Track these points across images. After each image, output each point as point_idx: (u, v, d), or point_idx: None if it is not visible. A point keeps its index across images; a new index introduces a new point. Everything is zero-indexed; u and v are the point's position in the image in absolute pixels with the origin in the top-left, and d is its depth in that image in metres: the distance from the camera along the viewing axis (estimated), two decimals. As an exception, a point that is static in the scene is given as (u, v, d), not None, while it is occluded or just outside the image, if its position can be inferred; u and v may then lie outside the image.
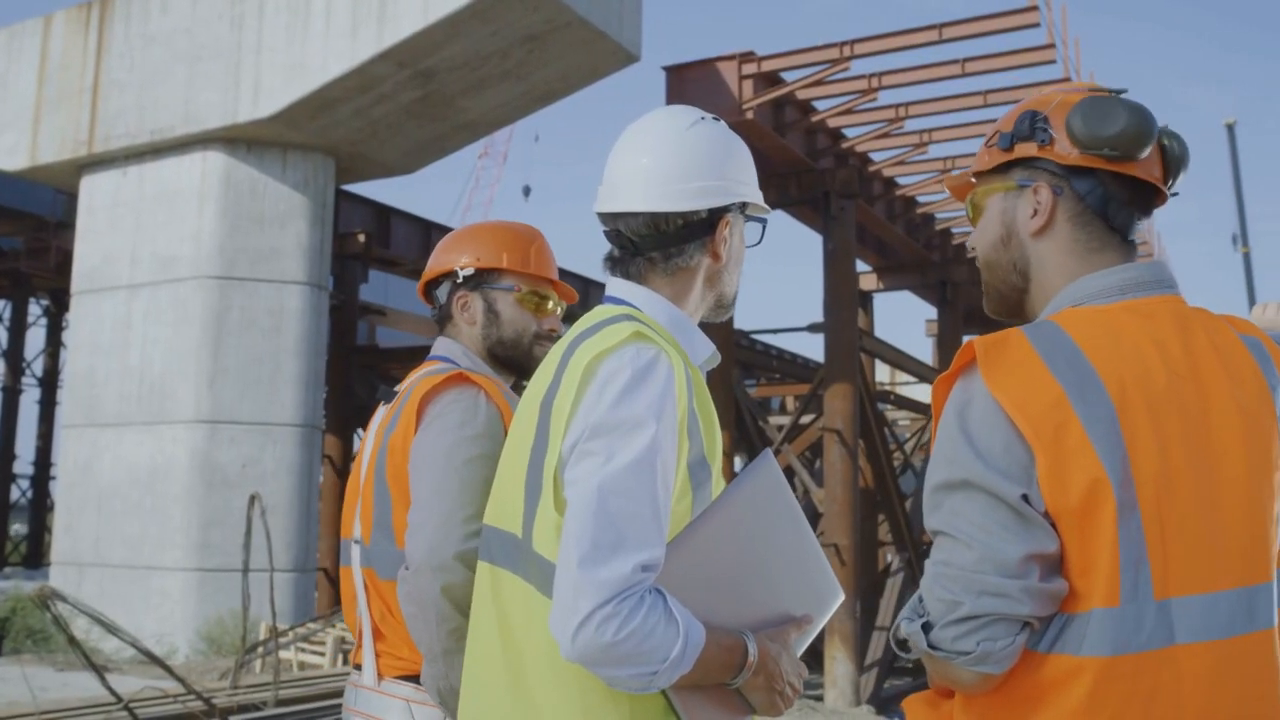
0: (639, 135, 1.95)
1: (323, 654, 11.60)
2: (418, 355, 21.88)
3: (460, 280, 2.66)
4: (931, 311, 21.04)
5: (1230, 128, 49.38)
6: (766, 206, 2.01)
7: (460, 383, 2.45)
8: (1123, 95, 1.68)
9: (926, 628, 1.52)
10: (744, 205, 1.96)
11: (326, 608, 16.01)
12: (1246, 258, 48.57)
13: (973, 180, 1.82)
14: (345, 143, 14.35)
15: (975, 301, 21.03)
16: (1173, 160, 1.67)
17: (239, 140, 14.04)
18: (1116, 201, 1.68)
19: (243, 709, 7.36)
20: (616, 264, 1.96)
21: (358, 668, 2.60)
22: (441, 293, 2.71)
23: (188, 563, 13.42)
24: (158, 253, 14.30)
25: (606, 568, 1.59)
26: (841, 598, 1.94)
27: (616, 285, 1.95)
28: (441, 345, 2.71)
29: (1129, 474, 1.46)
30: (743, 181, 1.94)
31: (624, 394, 1.69)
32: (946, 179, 1.91)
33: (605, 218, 1.94)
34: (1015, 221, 1.72)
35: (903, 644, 1.56)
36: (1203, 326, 1.61)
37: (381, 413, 2.68)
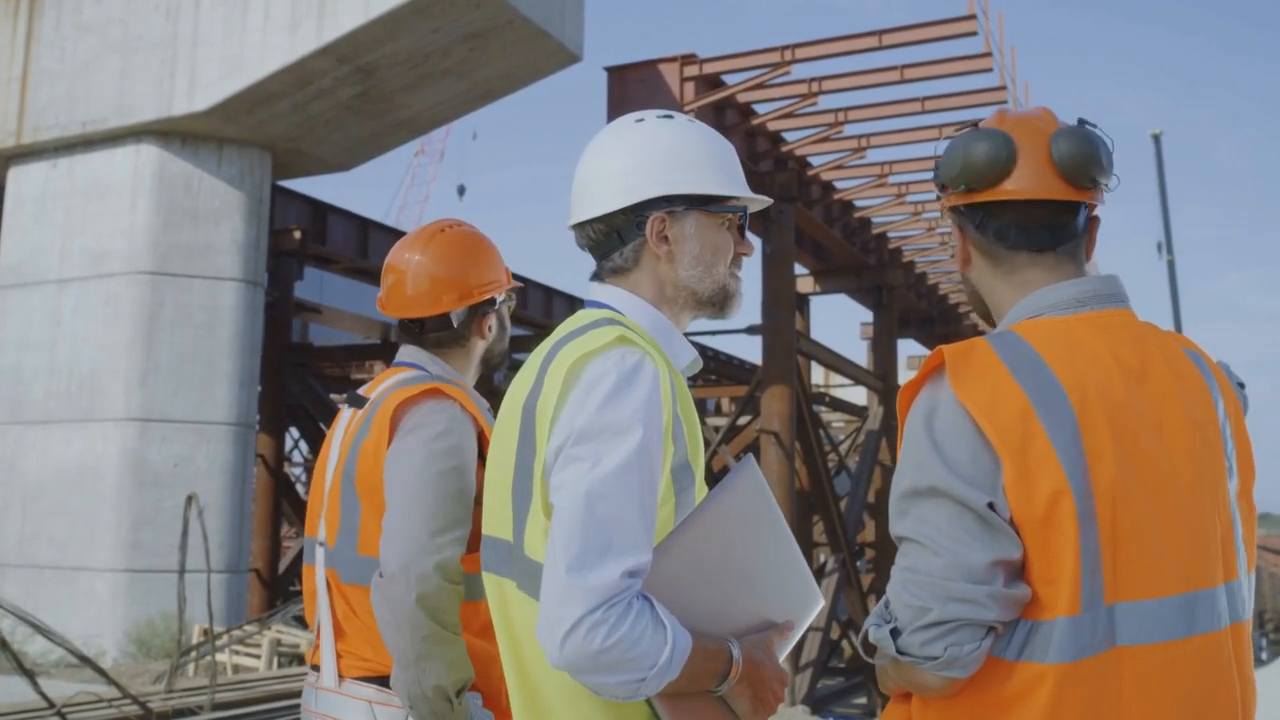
0: (586, 152, 1.99)
1: (258, 657, 11.44)
2: (353, 354, 21.68)
3: (488, 301, 2.77)
4: (867, 315, 21.23)
5: (1156, 138, 50.42)
6: (743, 196, 1.96)
7: (434, 395, 2.52)
8: (981, 126, 1.74)
9: (895, 633, 1.55)
10: (705, 200, 1.92)
11: (259, 610, 15.80)
12: (1171, 265, 49.65)
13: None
14: (283, 138, 14.16)
15: (910, 305, 21.31)
16: (1066, 163, 1.68)
17: (173, 134, 13.80)
18: (1008, 225, 1.72)
19: (179, 713, 7.23)
20: (595, 271, 1.99)
21: (315, 668, 2.60)
22: (457, 314, 2.74)
23: (117, 563, 13.15)
24: (88, 247, 14.01)
25: (594, 574, 1.58)
26: (821, 603, 1.94)
27: (597, 290, 1.96)
28: (407, 352, 2.76)
29: (1089, 485, 1.51)
30: (684, 175, 1.91)
31: (610, 398, 1.68)
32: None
33: (575, 234, 2.00)
34: (961, 254, 1.82)
35: (870, 648, 1.59)
36: (1155, 340, 1.67)
37: (348, 415, 2.69)
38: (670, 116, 1.96)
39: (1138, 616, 1.51)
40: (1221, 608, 1.57)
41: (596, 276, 1.97)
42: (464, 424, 2.49)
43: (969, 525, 1.50)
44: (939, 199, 1.81)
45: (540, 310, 23.43)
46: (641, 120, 1.96)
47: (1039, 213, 1.71)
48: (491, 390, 15.74)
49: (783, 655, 1.86)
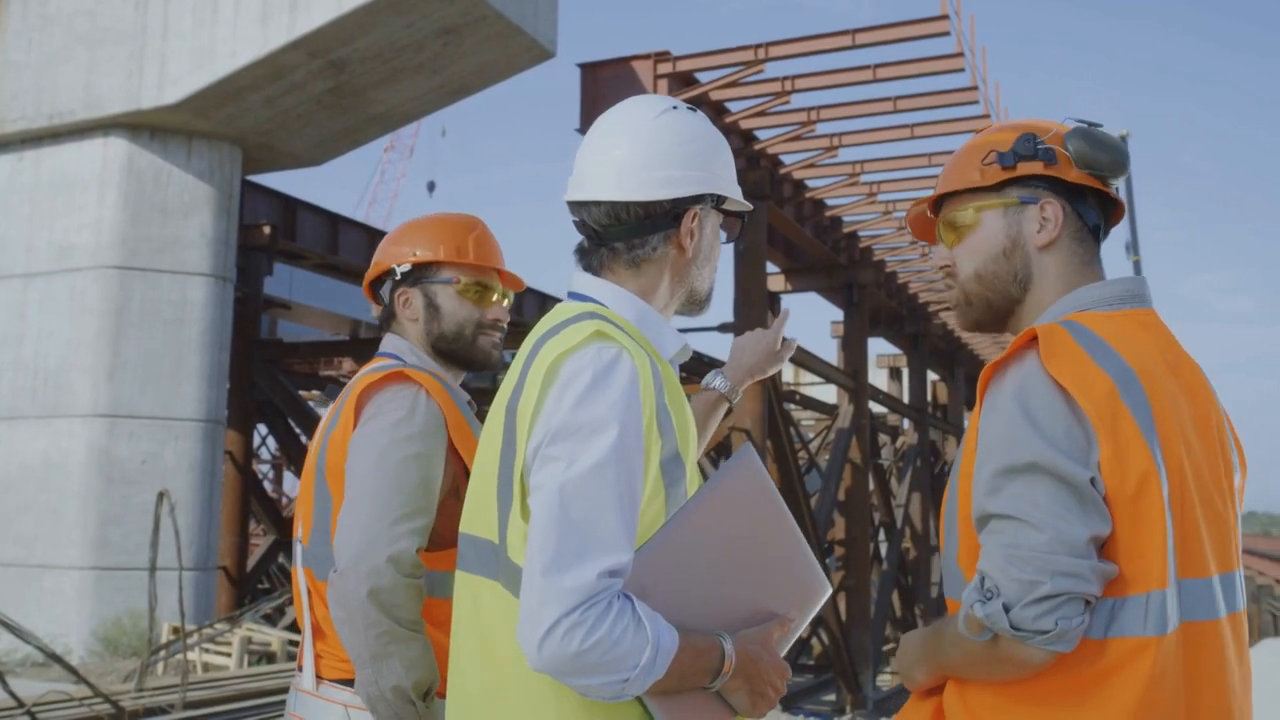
0: (607, 123, 1.92)
1: (229, 655, 11.35)
2: (322, 350, 21.54)
3: (399, 277, 2.63)
4: (837, 313, 21.30)
5: (1124, 139, 50.85)
6: (745, 202, 1.96)
7: (398, 380, 2.42)
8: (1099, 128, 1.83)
9: (1005, 609, 1.55)
10: (719, 199, 1.92)
11: (227, 608, 15.68)
12: (1137, 265, 50.10)
13: (943, 198, 1.90)
14: (253, 132, 14.05)
15: (881, 304, 21.40)
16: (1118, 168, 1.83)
17: (142, 127, 13.66)
18: (1103, 220, 1.84)
19: (150, 712, 7.15)
20: (582, 256, 1.92)
21: (302, 668, 2.56)
22: (385, 291, 2.68)
23: (84, 561, 13.01)
24: (55, 241, 13.85)
25: (570, 575, 1.56)
26: (828, 592, 1.92)
27: (581, 281, 1.91)
28: (388, 342, 2.67)
29: (1165, 466, 1.58)
30: (715, 173, 1.89)
31: (585, 396, 1.65)
32: (911, 213, 1.97)
33: (573, 207, 1.91)
34: (1021, 234, 1.81)
35: (975, 624, 1.57)
36: (1175, 340, 1.78)
37: (329, 409, 2.65)
38: (695, 109, 1.94)
39: (1193, 594, 1.59)
40: (1233, 593, 1.67)
41: (588, 265, 1.91)
42: (428, 410, 2.38)
43: (1067, 500, 1.53)
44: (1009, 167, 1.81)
45: (511, 307, 23.30)
46: (675, 108, 1.91)
47: (1111, 218, 1.86)
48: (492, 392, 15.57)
49: (785, 648, 1.85)
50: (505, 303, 2.69)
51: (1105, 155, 1.77)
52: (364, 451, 2.34)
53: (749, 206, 1.99)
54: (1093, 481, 1.55)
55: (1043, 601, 1.51)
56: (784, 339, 2.27)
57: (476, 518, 1.83)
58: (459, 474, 2.41)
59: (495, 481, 1.76)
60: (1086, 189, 1.81)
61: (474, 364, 2.63)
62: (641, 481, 1.68)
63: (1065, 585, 1.50)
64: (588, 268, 1.91)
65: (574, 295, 1.90)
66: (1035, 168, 1.78)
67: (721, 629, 1.73)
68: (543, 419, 1.68)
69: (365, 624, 2.19)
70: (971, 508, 1.64)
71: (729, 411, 2.33)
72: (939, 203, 1.93)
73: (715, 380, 2.25)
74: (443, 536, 2.37)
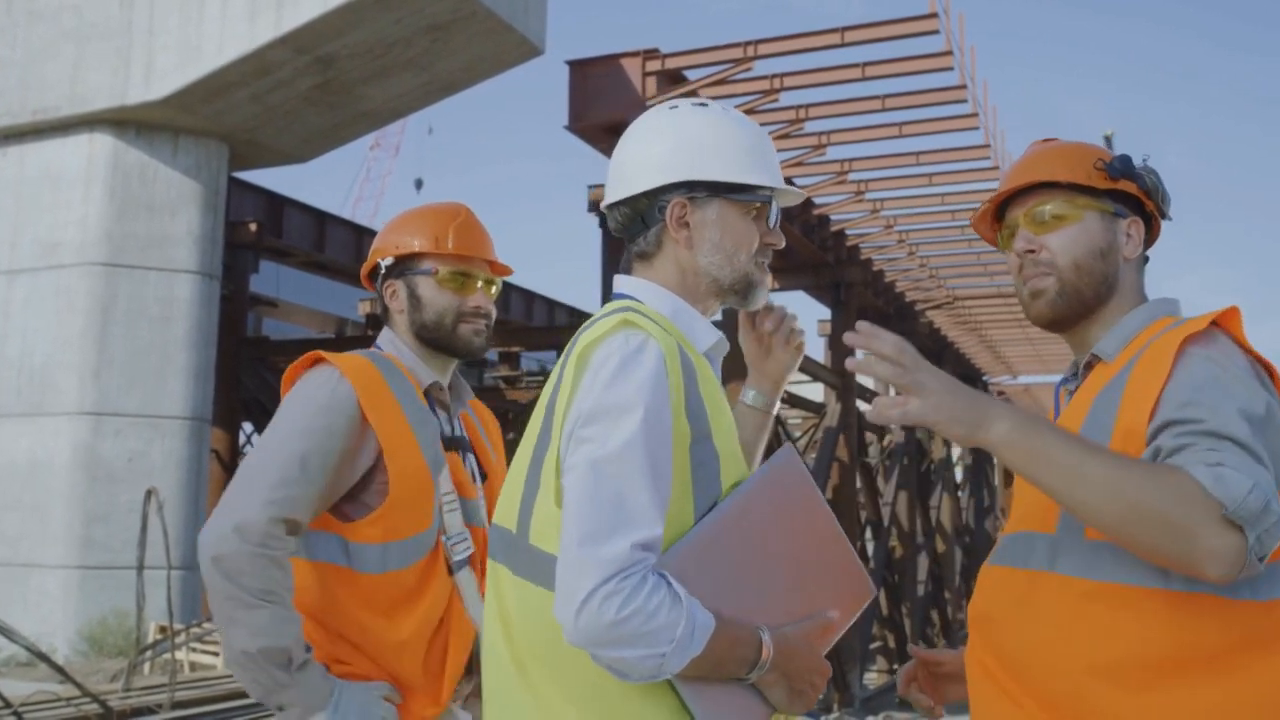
0: (625, 131, 2.00)
1: (216, 654, 11.29)
2: (308, 348, 21.32)
3: (384, 270, 2.69)
4: (825, 312, 21.30)
5: (1108, 139, 50.99)
6: (763, 184, 1.93)
7: (317, 364, 2.50)
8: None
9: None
10: (720, 187, 1.90)
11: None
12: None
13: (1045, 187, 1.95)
14: (240, 128, 13.98)
15: (868, 303, 21.42)
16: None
17: (128, 123, 13.58)
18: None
19: (138, 712, 7.11)
20: (623, 260, 2.00)
21: None
22: (376, 285, 2.75)
23: (69, 560, 12.94)
24: (40, 238, 13.76)
25: (605, 547, 1.60)
26: (872, 595, 1.92)
27: (619, 281, 1.98)
28: (381, 334, 2.74)
29: None
30: (700, 161, 1.89)
31: (613, 379, 1.70)
32: (1019, 178, 1.97)
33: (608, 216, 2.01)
34: (1116, 242, 1.92)
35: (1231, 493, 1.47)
36: None
37: None
38: (704, 104, 1.97)
39: None
40: None
41: (624, 267, 1.98)
42: (335, 390, 2.43)
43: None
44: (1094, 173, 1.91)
45: (498, 305, 23.26)
46: (675, 107, 1.97)
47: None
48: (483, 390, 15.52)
49: (826, 648, 1.85)
50: (491, 290, 2.73)
51: (1168, 195, 1.94)
52: (264, 433, 2.45)
53: (773, 191, 1.95)
54: None
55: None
56: (791, 329, 2.21)
57: (504, 509, 1.89)
58: (379, 451, 2.43)
59: (525, 472, 1.82)
60: (1149, 219, 1.96)
61: (457, 352, 2.67)
62: (670, 461, 1.71)
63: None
64: (622, 270, 1.99)
65: (616, 295, 1.96)
66: (1131, 187, 1.91)
67: (759, 625, 1.73)
68: (575, 404, 1.73)
69: (211, 589, 2.27)
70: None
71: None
72: (1016, 194, 1.99)
73: (748, 396, 2.22)
74: (368, 508, 2.41)
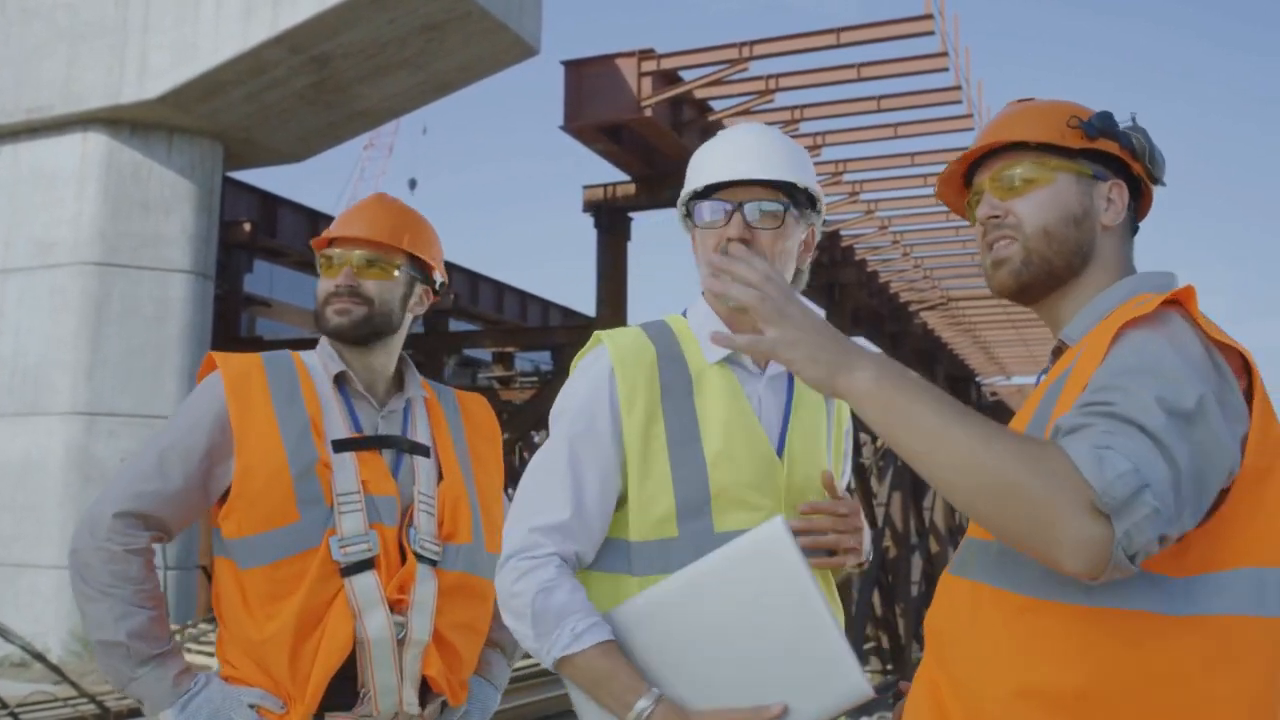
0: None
1: (211, 654, 11.24)
2: (301, 349, 21.30)
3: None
4: (819, 313, 21.34)
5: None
6: (693, 189, 2.02)
7: (210, 367, 2.54)
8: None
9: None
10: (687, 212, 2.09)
11: (207, 606, 15.57)
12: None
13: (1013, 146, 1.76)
14: (235, 128, 13.94)
15: (862, 303, 21.42)
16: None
17: (122, 122, 13.52)
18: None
19: (134, 712, 7.08)
20: None
21: None
22: None
23: (62, 560, 12.76)
24: (34, 237, 13.70)
25: (513, 531, 1.92)
26: (860, 695, 1.70)
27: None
28: None
29: None
30: (690, 178, 2.05)
31: (564, 388, 2.01)
32: (986, 138, 1.79)
33: None
34: (1092, 207, 1.72)
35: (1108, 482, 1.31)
36: None
37: None
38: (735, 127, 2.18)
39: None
40: None
41: None
42: (205, 390, 2.46)
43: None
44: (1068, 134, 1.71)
45: (491, 306, 23.30)
46: (723, 131, 2.20)
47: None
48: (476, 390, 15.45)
49: None
50: (377, 270, 2.53)
51: (1161, 157, 1.73)
52: None
53: (692, 193, 2.04)
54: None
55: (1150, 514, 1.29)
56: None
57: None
58: (242, 445, 2.38)
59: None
60: (1137, 184, 1.76)
61: (331, 335, 2.55)
62: (603, 457, 1.92)
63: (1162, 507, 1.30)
64: None
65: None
66: (1112, 147, 1.70)
67: (696, 700, 1.71)
68: None
69: (71, 581, 2.33)
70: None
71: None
72: (984, 157, 1.80)
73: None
74: (236, 511, 2.35)
